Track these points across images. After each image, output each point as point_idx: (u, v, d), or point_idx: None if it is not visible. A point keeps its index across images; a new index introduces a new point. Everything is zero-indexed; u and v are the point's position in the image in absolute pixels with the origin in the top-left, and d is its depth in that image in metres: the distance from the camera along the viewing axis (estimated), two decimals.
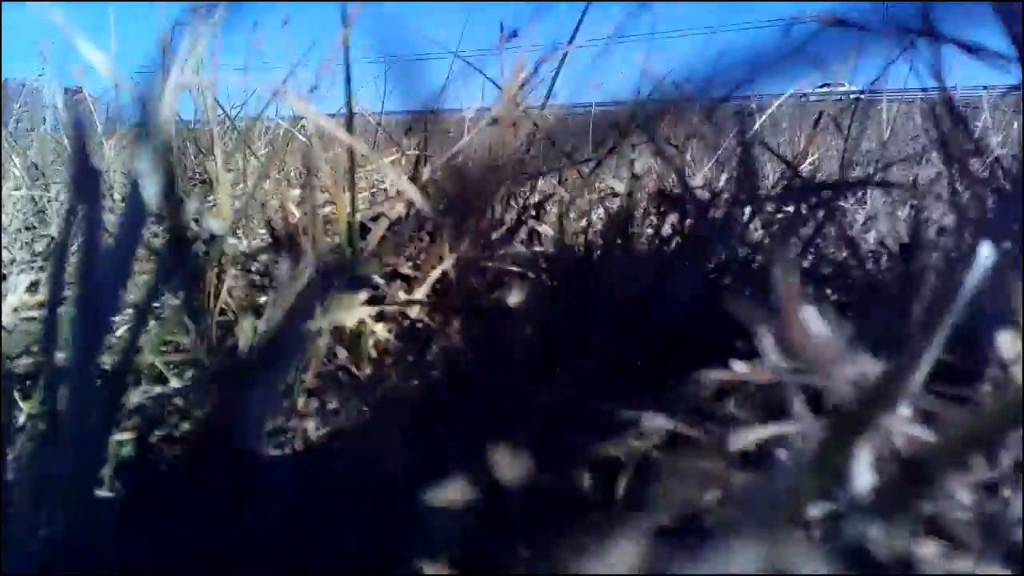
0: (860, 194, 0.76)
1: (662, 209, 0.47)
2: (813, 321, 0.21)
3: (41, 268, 0.54)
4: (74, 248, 0.28)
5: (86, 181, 0.27)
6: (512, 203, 0.57)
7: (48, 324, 0.30)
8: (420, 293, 0.43)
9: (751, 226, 0.50)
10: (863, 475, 0.25)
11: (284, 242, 0.40)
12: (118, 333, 0.51)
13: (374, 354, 0.46)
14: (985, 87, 1.24)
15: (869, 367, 0.27)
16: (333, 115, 0.81)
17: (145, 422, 0.41)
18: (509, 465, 0.23)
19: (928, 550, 0.25)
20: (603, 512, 0.23)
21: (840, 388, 0.26)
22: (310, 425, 0.44)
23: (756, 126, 0.66)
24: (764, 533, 0.16)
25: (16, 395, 0.46)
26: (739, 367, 0.32)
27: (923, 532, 0.26)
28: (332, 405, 0.47)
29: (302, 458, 0.39)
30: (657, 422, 0.26)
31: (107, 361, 0.44)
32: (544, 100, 0.69)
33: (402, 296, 0.48)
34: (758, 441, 0.23)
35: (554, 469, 0.23)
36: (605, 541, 0.18)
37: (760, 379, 0.27)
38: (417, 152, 0.60)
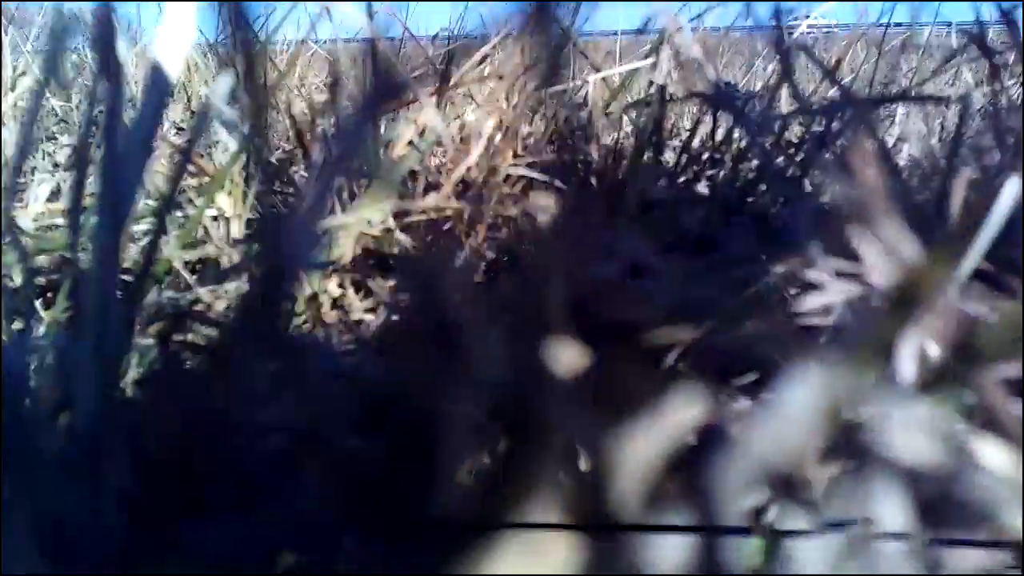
0: (889, 116, 0.74)
1: (703, 110, 0.46)
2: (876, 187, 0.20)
3: (63, 178, 0.54)
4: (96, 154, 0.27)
5: (110, 71, 0.26)
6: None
7: (71, 223, 0.30)
8: (447, 187, 0.42)
9: (783, 138, 0.48)
10: (909, 358, 0.24)
11: (309, 147, 0.39)
12: (141, 244, 0.50)
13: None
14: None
15: (916, 254, 0.26)
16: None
17: (167, 323, 0.41)
18: (551, 349, 0.23)
19: (974, 437, 0.25)
20: (658, 378, 0.22)
21: (889, 272, 0.25)
22: (334, 333, 0.44)
23: (788, 41, 0.64)
24: (827, 373, 0.15)
25: (38, 305, 0.46)
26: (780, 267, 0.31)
27: (970, 422, 0.25)
28: (356, 316, 0.47)
29: (333, 349, 0.39)
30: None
31: (130, 259, 0.44)
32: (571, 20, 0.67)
33: (430, 201, 0.47)
34: (821, 305, 0.23)
35: (601, 353, 0.23)
36: (662, 397, 0.17)
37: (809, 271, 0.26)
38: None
